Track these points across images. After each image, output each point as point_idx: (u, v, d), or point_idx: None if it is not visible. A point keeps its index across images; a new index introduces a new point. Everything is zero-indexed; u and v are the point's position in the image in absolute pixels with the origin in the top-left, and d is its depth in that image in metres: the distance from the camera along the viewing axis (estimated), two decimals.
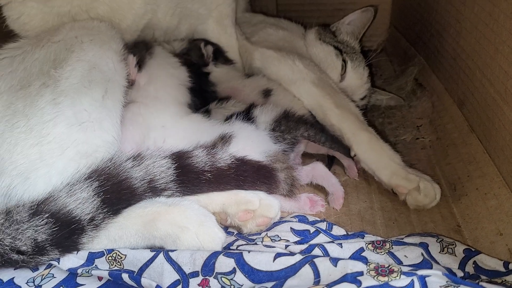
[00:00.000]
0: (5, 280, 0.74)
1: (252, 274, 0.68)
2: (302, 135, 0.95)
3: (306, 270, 0.65)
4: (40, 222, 0.70)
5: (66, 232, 0.71)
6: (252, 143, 0.86)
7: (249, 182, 0.82)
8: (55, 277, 0.74)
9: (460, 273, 0.71)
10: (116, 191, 0.75)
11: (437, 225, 0.88)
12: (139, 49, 0.98)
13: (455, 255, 0.75)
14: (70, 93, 0.80)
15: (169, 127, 0.90)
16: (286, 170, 0.85)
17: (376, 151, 0.96)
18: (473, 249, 0.76)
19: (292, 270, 0.66)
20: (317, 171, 0.95)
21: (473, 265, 0.73)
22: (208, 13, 1.19)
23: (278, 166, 0.84)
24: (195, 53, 1.17)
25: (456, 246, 0.76)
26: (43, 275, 0.75)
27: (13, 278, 0.75)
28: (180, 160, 0.79)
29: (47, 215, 0.71)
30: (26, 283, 0.74)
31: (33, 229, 0.70)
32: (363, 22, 1.33)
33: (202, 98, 1.06)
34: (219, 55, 1.21)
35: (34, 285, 0.74)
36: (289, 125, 0.94)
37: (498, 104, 0.87)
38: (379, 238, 0.79)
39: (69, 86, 0.80)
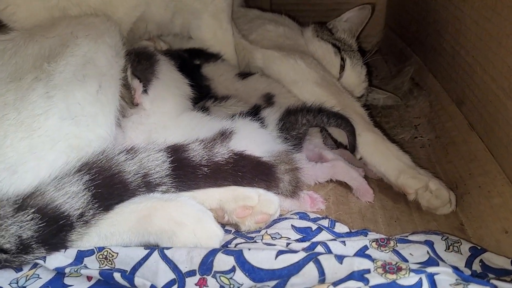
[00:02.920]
0: None
1: (253, 272, 0.64)
2: (302, 123, 0.92)
3: (310, 268, 0.62)
4: (25, 217, 0.66)
5: (54, 228, 0.68)
6: (254, 141, 0.82)
7: (247, 179, 0.79)
8: (40, 278, 0.70)
9: (467, 272, 0.69)
10: (108, 185, 0.71)
11: (439, 223, 0.86)
12: (144, 66, 0.94)
13: (461, 254, 0.73)
14: (63, 86, 0.78)
15: (169, 127, 0.88)
16: (291, 172, 0.82)
17: (383, 152, 0.94)
18: (479, 247, 0.73)
19: (295, 268, 0.63)
20: (338, 168, 0.93)
21: (480, 264, 0.71)
22: (203, 7, 1.16)
23: (282, 168, 0.81)
24: None
25: (461, 244, 0.74)
26: (27, 275, 0.70)
27: None
28: (176, 153, 0.76)
29: (33, 210, 0.67)
30: (9, 284, 0.69)
31: (18, 225, 0.66)
32: (360, 20, 1.31)
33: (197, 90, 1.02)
34: (200, 55, 1.18)
35: (18, 286, 0.69)
36: (291, 119, 0.92)
37: (501, 100, 0.86)
38: (383, 236, 0.76)
39: (62, 80, 0.79)
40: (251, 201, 0.77)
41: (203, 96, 1.05)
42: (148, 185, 0.74)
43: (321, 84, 1.06)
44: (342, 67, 1.22)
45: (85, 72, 0.81)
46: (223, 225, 0.80)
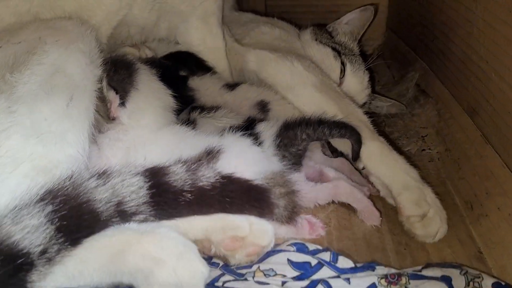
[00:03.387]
0: None
1: None
2: (302, 138, 0.83)
3: None
4: None
5: (11, 268, 0.58)
6: (246, 161, 0.73)
7: (236, 205, 0.69)
8: None
9: None
10: (75, 216, 0.62)
11: (455, 251, 0.77)
12: (121, 76, 0.85)
13: None
14: (28, 100, 0.69)
15: (150, 143, 0.79)
16: (287, 196, 0.72)
17: (389, 164, 0.85)
18: (503, 283, 0.64)
19: None
20: (340, 189, 0.83)
21: None
22: (191, 10, 1.07)
23: (277, 192, 0.71)
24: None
25: (483, 279, 0.65)
26: None
27: None
28: (155, 177, 0.66)
29: None
30: None
31: None
32: (362, 22, 1.22)
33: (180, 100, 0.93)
34: (186, 65, 1.09)
35: None
36: (289, 135, 0.82)
37: None
38: (393, 271, 0.66)
39: (27, 92, 0.70)
40: (241, 231, 0.67)
41: (186, 106, 0.95)
42: (122, 215, 0.64)
43: (321, 89, 0.97)
44: (343, 72, 1.13)
45: (54, 83, 0.72)
46: (210, 257, 0.71)
